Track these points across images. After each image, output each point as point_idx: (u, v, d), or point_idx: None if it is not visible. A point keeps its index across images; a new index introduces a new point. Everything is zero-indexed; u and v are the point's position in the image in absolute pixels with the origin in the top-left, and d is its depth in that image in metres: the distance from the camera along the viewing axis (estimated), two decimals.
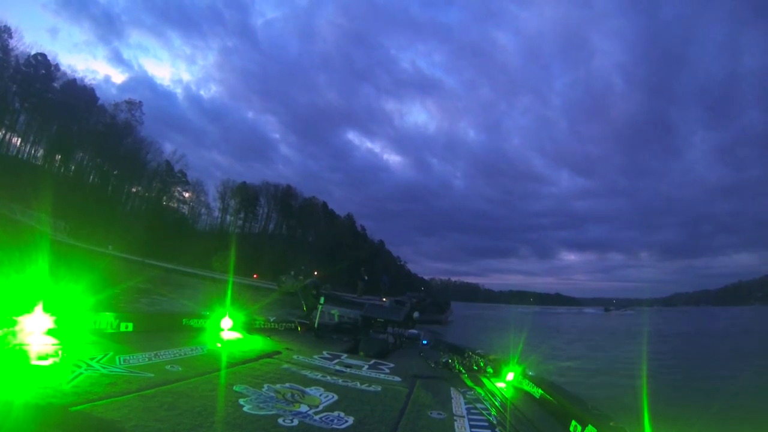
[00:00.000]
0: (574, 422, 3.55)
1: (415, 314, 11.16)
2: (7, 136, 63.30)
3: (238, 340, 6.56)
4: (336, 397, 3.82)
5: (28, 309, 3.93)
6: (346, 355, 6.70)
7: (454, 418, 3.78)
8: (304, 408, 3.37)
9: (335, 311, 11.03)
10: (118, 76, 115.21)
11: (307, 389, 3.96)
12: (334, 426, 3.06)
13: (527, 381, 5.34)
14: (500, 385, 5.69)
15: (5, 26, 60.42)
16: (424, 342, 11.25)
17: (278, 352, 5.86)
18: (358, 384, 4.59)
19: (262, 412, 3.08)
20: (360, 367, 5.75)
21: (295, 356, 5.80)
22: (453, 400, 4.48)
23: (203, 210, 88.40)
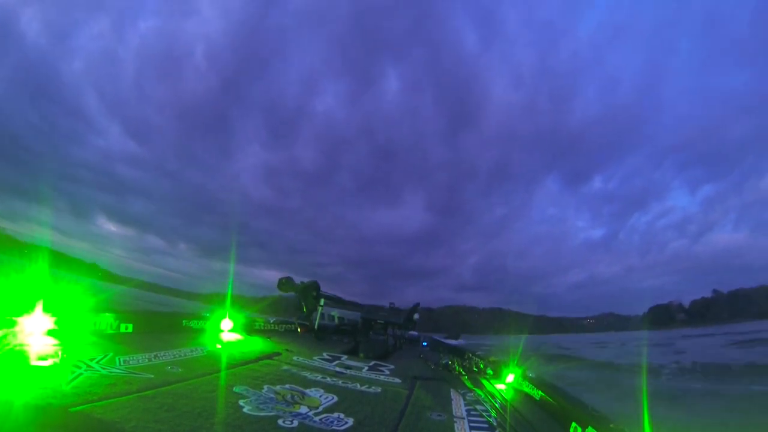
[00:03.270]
0: (574, 424, 3.55)
1: (415, 316, 11.15)
2: None
3: (238, 341, 6.56)
4: (336, 399, 3.82)
5: (28, 309, 3.93)
6: (346, 357, 6.70)
7: (454, 419, 3.78)
8: (304, 409, 3.37)
9: (335, 313, 11.01)
10: None
11: (307, 390, 3.96)
12: (333, 427, 3.06)
13: (527, 383, 5.34)
14: (500, 386, 5.68)
15: None
16: (424, 344, 11.24)
17: (278, 354, 5.86)
18: (358, 385, 4.59)
19: (261, 414, 3.08)
20: (360, 369, 5.75)
21: (295, 357, 5.80)
22: (453, 402, 4.47)
23: None
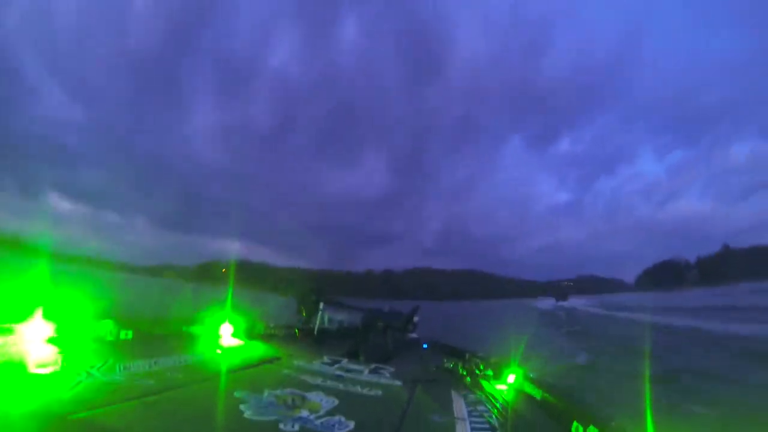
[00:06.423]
0: (575, 423, 3.55)
1: (415, 318, 11.14)
2: None
3: (239, 346, 6.55)
4: (337, 402, 3.82)
5: (27, 316, 3.94)
6: (346, 360, 6.69)
7: (456, 421, 3.78)
8: (304, 413, 3.37)
9: (334, 317, 11.00)
10: None
11: (308, 394, 3.96)
12: (335, 430, 3.06)
13: (528, 383, 5.34)
14: (501, 387, 5.68)
15: None
16: (425, 346, 11.23)
17: (278, 358, 5.85)
18: (359, 388, 4.59)
19: (262, 418, 3.08)
20: (360, 372, 5.75)
21: (295, 362, 5.79)
22: (454, 404, 4.47)
23: None
